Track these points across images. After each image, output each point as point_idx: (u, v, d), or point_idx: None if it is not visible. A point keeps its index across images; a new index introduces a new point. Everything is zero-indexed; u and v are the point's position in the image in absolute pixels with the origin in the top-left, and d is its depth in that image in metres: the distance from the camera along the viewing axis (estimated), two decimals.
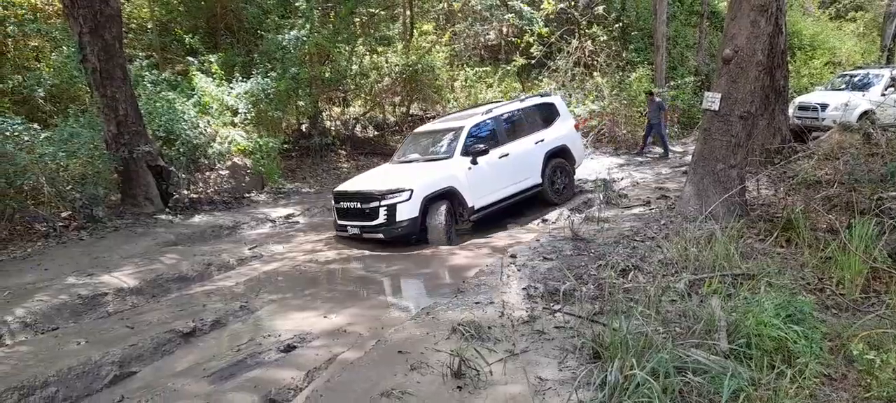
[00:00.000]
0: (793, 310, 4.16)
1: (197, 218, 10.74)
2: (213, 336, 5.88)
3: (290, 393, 4.52)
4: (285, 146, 14.35)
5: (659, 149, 17.07)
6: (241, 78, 14.43)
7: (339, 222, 9.35)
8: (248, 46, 16.69)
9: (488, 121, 10.04)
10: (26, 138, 9.22)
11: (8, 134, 8.85)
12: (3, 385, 4.42)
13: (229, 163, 12.82)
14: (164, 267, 7.65)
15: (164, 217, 10.55)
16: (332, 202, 9.63)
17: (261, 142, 13.20)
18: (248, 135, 13.53)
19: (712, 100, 7.47)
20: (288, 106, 15.33)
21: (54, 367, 4.81)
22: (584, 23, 20.53)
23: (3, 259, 8.05)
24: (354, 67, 17.19)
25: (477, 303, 5.55)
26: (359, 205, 8.98)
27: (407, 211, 8.66)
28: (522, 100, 11.05)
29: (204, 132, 12.55)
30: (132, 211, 10.51)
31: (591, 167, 15.49)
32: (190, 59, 14.91)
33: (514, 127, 10.39)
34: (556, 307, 5.26)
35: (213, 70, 14.19)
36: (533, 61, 20.06)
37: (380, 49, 18.02)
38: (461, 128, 9.74)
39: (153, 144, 10.93)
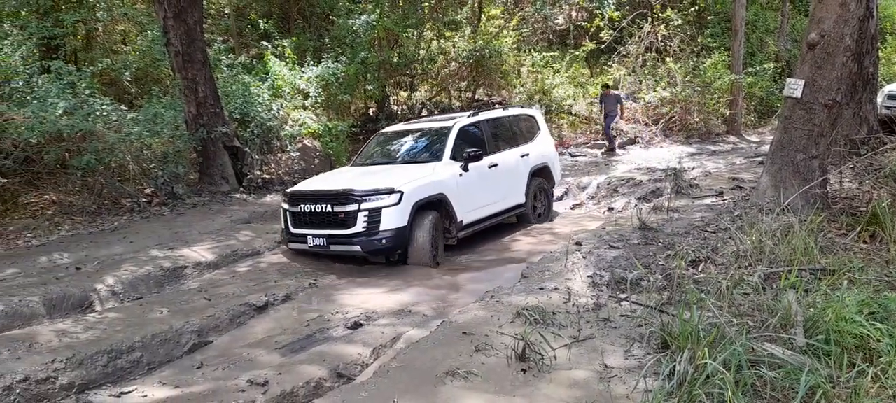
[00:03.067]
0: (876, 307, 3.96)
1: (269, 198, 11.13)
2: (283, 311, 6.12)
3: (357, 368, 4.66)
4: (353, 129, 14.64)
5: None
6: (312, 62, 14.79)
7: (294, 231, 7.48)
8: (319, 31, 17.08)
9: (476, 125, 8.78)
10: (114, 118, 9.76)
11: (98, 113, 9.40)
12: (95, 348, 4.73)
13: (300, 145, 13.20)
14: (239, 244, 7.99)
15: (238, 196, 10.99)
16: (284, 205, 7.72)
17: (330, 126, 13.52)
18: (318, 119, 13.89)
19: (795, 86, 7.13)
20: (356, 90, 15.63)
21: (140, 333, 5.11)
22: (657, 6, 19.93)
23: (92, 231, 8.59)
24: (422, 52, 17.31)
25: (541, 289, 5.54)
26: (329, 209, 7.18)
27: (394, 219, 7.03)
28: (505, 109, 10.23)
29: (277, 115, 12.97)
30: (209, 189, 10.99)
31: (661, 155, 15.10)
32: (264, 43, 15.40)
33: (500, 135, 9.21)
34: (623, 295, 5.20)
35: (286, 54, 14.60)
36: (602, 46, 19.64)
37: (447, 34, 18.07)
38: (449, 127, 8.39)
39: (229, 125, 11.37)
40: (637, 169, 13.17)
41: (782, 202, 6.70)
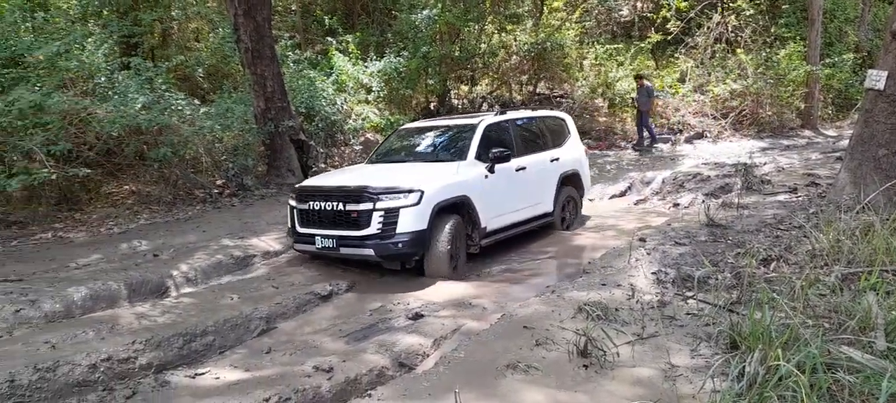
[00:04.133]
0: None
1: None
2: (347, 300, 6.28)
3: (418, 358, 4.72)
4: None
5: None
6: (375, 57, 15.02)
7: (301, 231, 6.89)
8: (382, 26, 17.32)
9: (504, 124, 8.16)
10: (188, 112, 10.20)
11: (173, 108, 9.84)
12: (172, 332, 4.97)
13: (362, 138, 13.43)
14: None
15: None
16: (291, 202, 7.13)
17: (392, 120, 13.71)
18: (380, 112, 14.11)
19: (877, 78, 6.77)
20: (418, 84, 15.77)
21: (212, 318, 5.33)
22: None
23: (168, 220, 9.01)
24: (483, 46, 17.29)
25: (603, 285, 5.47)
26: (340, 207, 6.56)
27: (412, 221, 6.36)
28: (534, 110, 9.53)
29: (340, 109, 13.25)
30: (276, 181, 11.32)
31: (730, 150, 14.61)
32: (328, 39, 15.74)
33: (529, 137, 8.61)
34: (689, 293, 5.07)
35: (350, 49, 14.88)
36: (669, 38, 19.09)
37: (509, 27, 17.98)
38: (475, 125, 7.75)
39: (296, 119, 11.68)
40: (704, 163, 12.80)
41: (862, 199, 6.37)
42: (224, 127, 10.50)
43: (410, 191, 6.42)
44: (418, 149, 8.28)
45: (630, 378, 3.73)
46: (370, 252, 6.43)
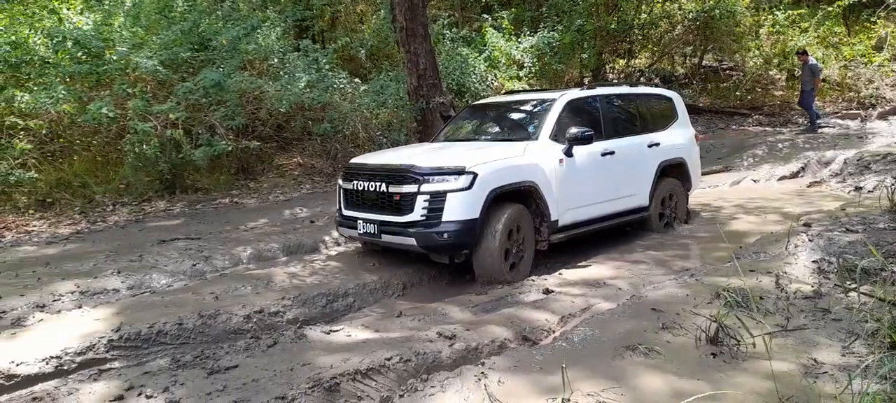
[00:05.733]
0: None
1: None
2: None
3: (542, 333, 4.70)
4: None
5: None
6: (528, 32, 14.92)
7: (346, 213, 6.29)
8: (538, 1, 17.11)
9: (591, 100, 7.05)
10: (349, 90, 10.89)
11: (335, 86, 10.56)
12: (317, 291, 5.43)
13: None
14: None
15: None
16: (339, 181, 6.54)
17: None
18: (530, 89, 14.02)
19: None
20: (571, 59, 15.43)
21: (355, 281, 5.75)
22: None
23: (327, 190, 9.75)
24: (643, 16, 16.44)
25: (751, 271, 5.03)
26: (383, 188, 5.82)
27: (461, 208, 5.51)
28: (632, 86, 8.12)
29: (491, 85, 13.35)
30: None
31: None
32: (484, 16, 15.87)
33: (622, 117, 7.46)
34: (852, 285, 4.51)
35: (504, 25, 14.90)
36: (865, 0, 16.78)
37: None
38: (553, 100, 6.72)
39: (446, 96, 11.98)
40: None
41: None
42: (379, 104, 11.08)
43: (460, 173, 5.54)
44: (490, 126, 7.47)
45: (763, 371, 3.42)
46: (412, 241, 5.66)
